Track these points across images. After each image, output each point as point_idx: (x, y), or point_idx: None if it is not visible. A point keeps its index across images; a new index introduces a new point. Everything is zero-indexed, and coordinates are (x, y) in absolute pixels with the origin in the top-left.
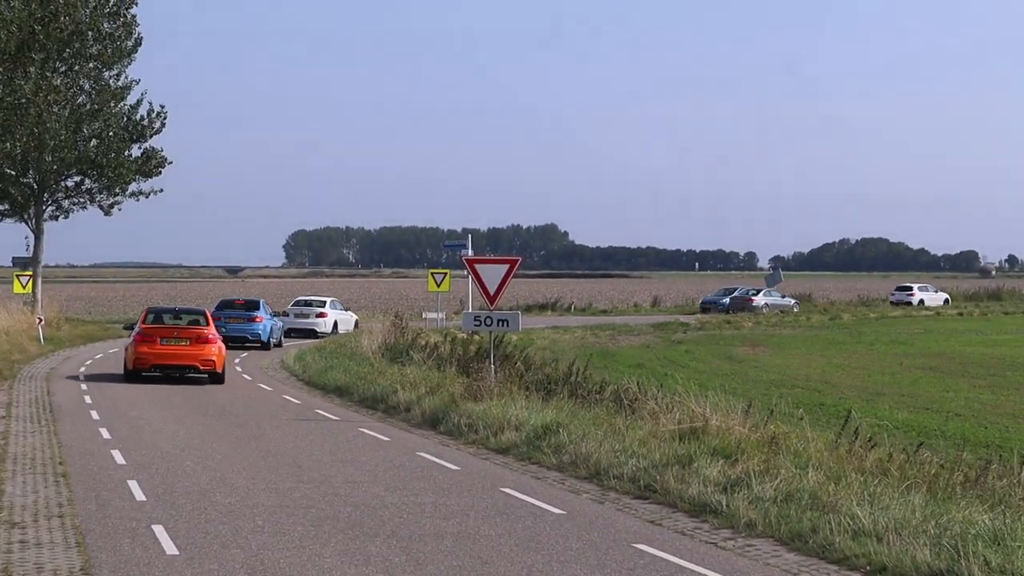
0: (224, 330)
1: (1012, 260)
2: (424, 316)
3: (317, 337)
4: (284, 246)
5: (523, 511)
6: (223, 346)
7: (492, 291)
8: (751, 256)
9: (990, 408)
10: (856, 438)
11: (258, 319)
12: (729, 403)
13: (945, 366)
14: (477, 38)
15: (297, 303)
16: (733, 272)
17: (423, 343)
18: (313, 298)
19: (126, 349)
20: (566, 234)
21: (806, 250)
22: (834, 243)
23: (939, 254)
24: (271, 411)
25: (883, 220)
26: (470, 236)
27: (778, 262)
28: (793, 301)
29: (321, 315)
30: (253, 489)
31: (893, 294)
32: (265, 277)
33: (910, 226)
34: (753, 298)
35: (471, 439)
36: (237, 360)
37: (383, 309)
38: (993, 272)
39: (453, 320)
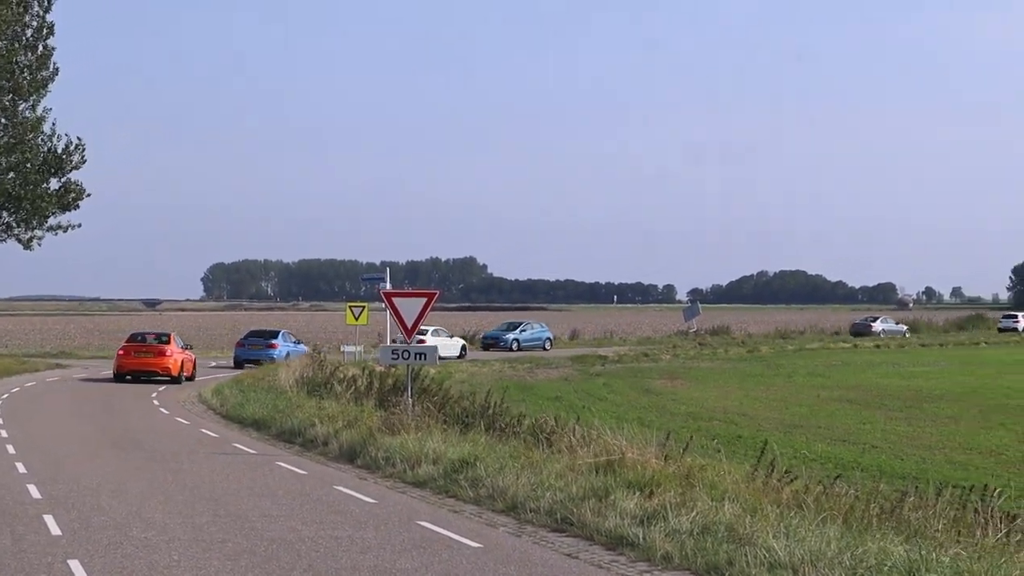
0: (247, 352)
1: (929, 292)
2: (342, 349)
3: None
4: (202, 279)
5: (440, 544)
6: (184, 359)
7: (410, 324)
8: (669, 289)
9: (906, 440)
10: (773, 470)
11: (275, 345)
12: (646, 436)
13: (862, 398)
14: (391, 65)
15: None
16: (651, 305)
17: (341, 376)
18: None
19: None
20: (485, 267)
21: (724, 282)
22: (752, 275)
23: (857, 286)
24: (188, 445)
25: (801, 253)
26: (388, 269)
27: (696, 295)
28: (905, 328)
29: (421, 341)
30: (169, 524)
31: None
32: (183, 310)
33: (828, 259)
34: (872, 324)
35: (388, 472)
36: (154, 394)
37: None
38: (911, 304)
39: (371, 353)
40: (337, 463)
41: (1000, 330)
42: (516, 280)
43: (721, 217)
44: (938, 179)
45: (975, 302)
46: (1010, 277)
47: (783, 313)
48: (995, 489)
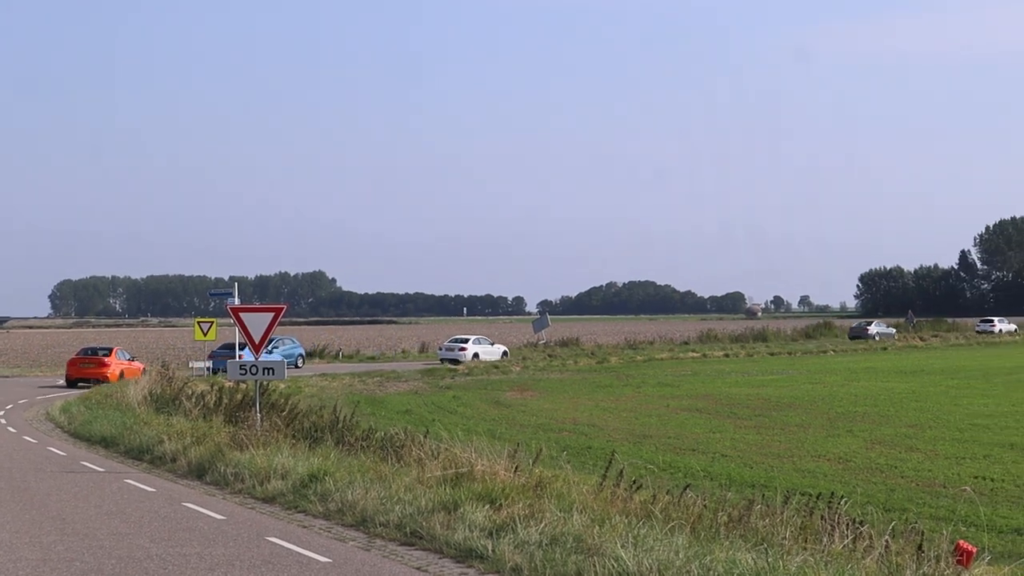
0: (218, 362)
1: (778, 301)
2: (191, 365)
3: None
4: (50, 296)
5: (289, 560)
6: (123, 368)
7: (257, 339)
8: (519, 301)
9: (755, 448)
10: (621, 480)
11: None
12: (495, 448)
13: (712, 407)
14: (233, 79)
15: (450, 340)
16: (502, 317)
17: (190, 392)
18: (459, 336)
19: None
20: (334, 281)
21: (574, 294)
22: (601, 286)
23: (706, 296)
24: (35, 464)
25: (650, 263)
26: (236, 284)
27: (546, 306)
28: (894, 331)
29: (462, 349)
30: (16, 544)
31: None
32: (31, 328)
33: (677, 269)
34: (868, 328)
35: (237, 488)
36: (2, 412)
37: (150, 358)
38: (759, 313)
39: None
40: (186, 480)
41: (977, 332)
42: (365, 294)
43: (569, 229)
44: (785, 189)
45: (823, 311)
46: (857, 285)
47: (633, 324)
48: (842, 496)
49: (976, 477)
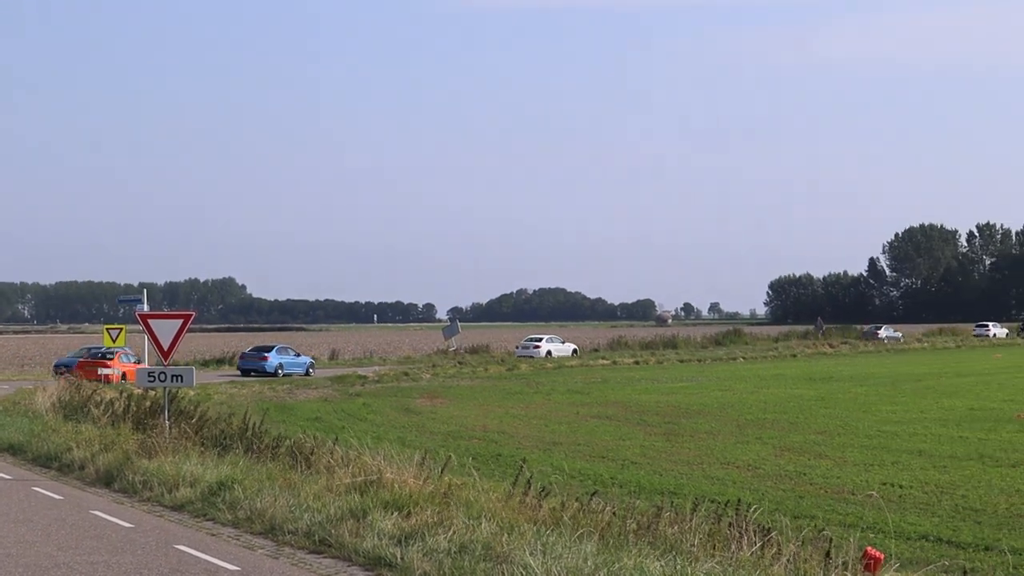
0: (244, 363)
1: (688, 308)
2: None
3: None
4: None
5: (197, 568)
6: (126, 369)
7: (166, 346)
8: (430, 308)
9: (665, 455)
10: (530, 488)
11: (265, 358)
12: (404, 455)
13: (621, 415)
14: (146, 81)
15: (526, 339)
16: (412, 324)
17: (99, 399)
18: (534, 336)
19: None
20: (244, 287)
21: (484, 301)
22: (512, 294)
23: (616, 303)
24: None
25: (561, 270)
26: (146, 291)
27: (456, 313)
28: (900, 335)
29: (537, 347)
30: None
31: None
32: None
33: (587, 276)
34: (878, 332)
35: (146, 496)
36: None
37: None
38: (669, 320)
39: None
40: (94, 487)
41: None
42: (276, 300)
43: (479, 236)
44: (693, 198)
45: (733, 318)
46: (767, 292)
47: (543, 330)
48: (751, 503)
49: (884, 484)
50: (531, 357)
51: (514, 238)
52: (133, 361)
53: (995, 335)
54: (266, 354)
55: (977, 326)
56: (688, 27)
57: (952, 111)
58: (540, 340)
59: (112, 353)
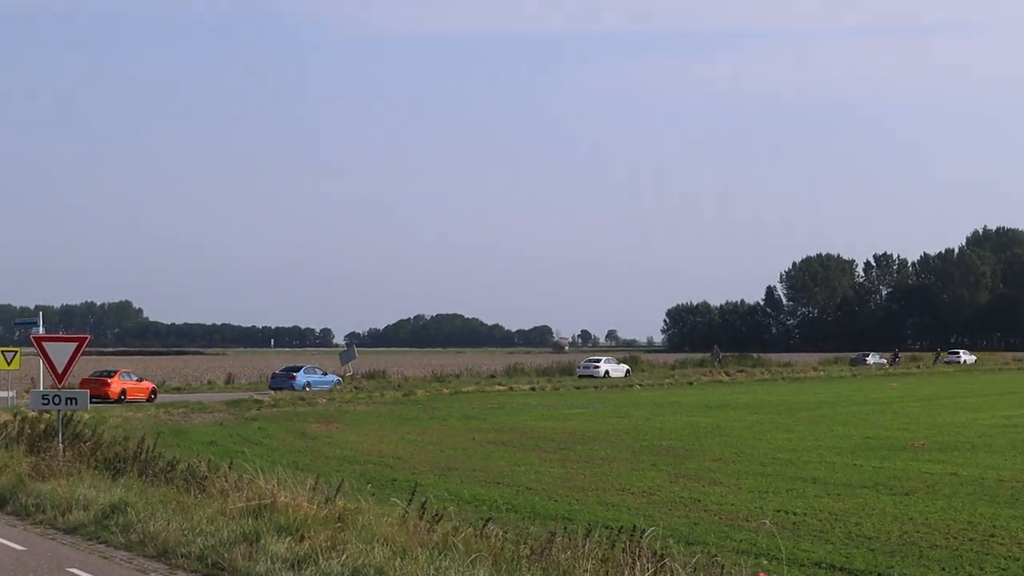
0: (274, 382)
1: (585, 335)
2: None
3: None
4: None
5: None
6: (126, 387)
7: (60, 369)
8: (327, 332)
9: (560, 481)
10: (424, 513)
11: (294, 376)
12: (298, 479)
13: (517, 440)
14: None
15: (586, 360)
16: (309, 349)
17: None
18: (594, 357)
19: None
20: (141, 311)
21: (382, 326)
22: (409, 319)
23: (514, 329)
24: None
25: (458, 296)
26: (41, 313)
27: (353, 338)
28: (885, 361)
29: (596, 366)
30: None
31: None
32: None
33: (485, 302)
34: (866, 358)
35: (39, 519)
36: None
37: None
38: (566, 347)
39: (24, 399)
40: None
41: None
42: (172, 324)
43: (378, 261)
44: (590, 227)
45: (630, 344)
46: (664, 320)
47: (440, 356)
48: (644, 529)
49: (779, 511)
50: (591, 376)
51: (412, 264)
52: (135, 380)
53: (874, 364)
54: (294, 373)
55: (857, 355)
56: (583, 57)
57: (848, 143)
58: (599, 360)
59: (112, 373)
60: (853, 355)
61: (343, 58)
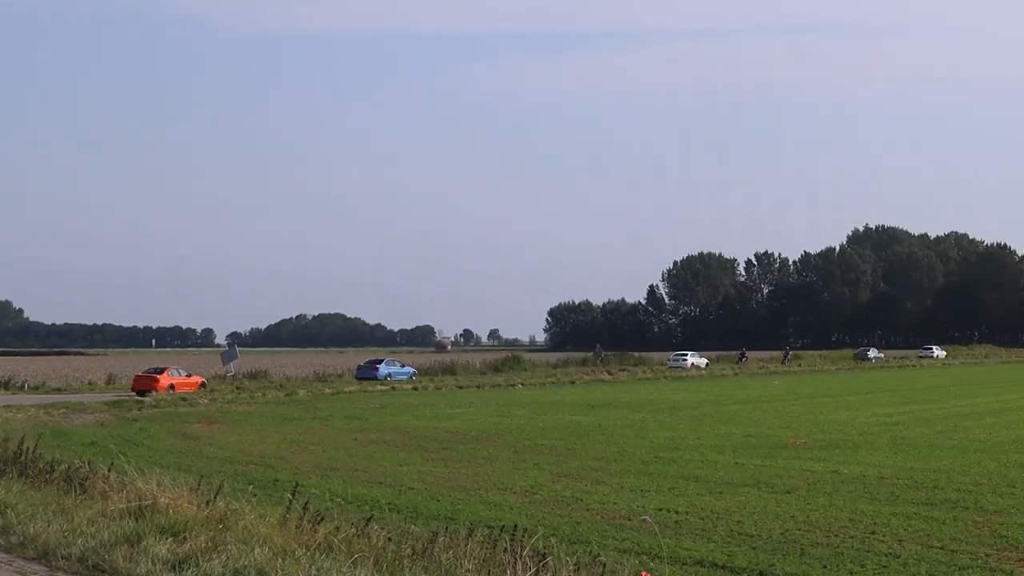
0: (360, 373)
1: (468, 334)
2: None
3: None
4: None
5: None
6: (174, 382)
7: None
8: (208, 333)
9: (442, 481)
10: (306, 513)
11: (377, 368)
12: (180, 480)
13: (400, 440)
14: None
15: (675, 354)
16: (191, 349)
17: None
18: (681, 351)
19: None
20: (21, 311)
21: (263, 326)
22: (291, 319)
23: (396, 329)
24: None
25: (340, 296)
26: None
27: (235, 338)
28: (882, 355)
29: (684, 359)
30: None
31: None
32: None
33: (367, 302)
34: (868, 352)
35: None
36: None
37: None
38: (449, 346)
39: None
40: None
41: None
42: (53, 324)
43: (260, 261)
44: (473, 225)
45: (512, 344)
46: (547, 319)
47: (322, 356)
48: (526, 528)
49: (661, 509)
50: (680, 368)
51: (294, 263)
52: (184, 375)
53: (692, 364)
54: (377, 365)
55: (675, 355)
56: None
57: (731, 142)
58: (686, 355)
59: (161, 370)
60: (855, 350)
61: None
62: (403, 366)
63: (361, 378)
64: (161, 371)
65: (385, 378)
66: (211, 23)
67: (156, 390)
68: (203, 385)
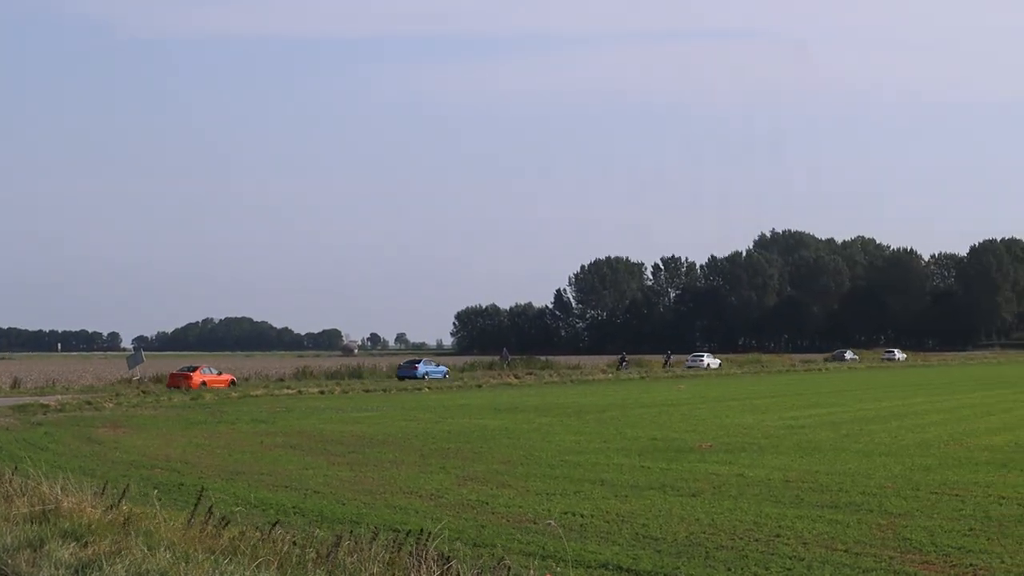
0: (401, 372)
1: (375, 338)
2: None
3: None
4: None
5: None
6: (206, 379)
7: None
8: (115, 336)
9: (348, 485)
10: (210, 517)
11: (415, 367)
12: (84, 485)
13: (306, 444)
14: None
15: (692, 355)
16: (96, 352)
17: None
18: (698, 353)
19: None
20: None
21: (170, 330)
22: (198, 322)
23: (303, 333)
24: None
25: (247, 299)
26: None
27: (141, 342)
28: (857, 357)
29: (701, 359)
30: None
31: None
32: None
33: (274, 305)
34: (844, 354)
35: None
36: None
37: None
38: (356, 350)
39: None
40: None
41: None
42: None
43: (166, 264)
44: (376, 231)
45: (419, 348)
46: (454, 323)
47: (229, 360)
48: (431, 532)
49: (566, 513)
50: (697, 367)
51: (201, 267)
52: (215, 373)
53: (426, 375)
54: (416, 365)
55: (692, 356)
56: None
57: (636, 146)
58: (703, 356)
59: (193, 368)
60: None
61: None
62: (437, 366)
63: (402, 377)
64: (194, 369)
65: (423, 376)
66: (112, 22)
67: (190, 387)
68: (233, 382)
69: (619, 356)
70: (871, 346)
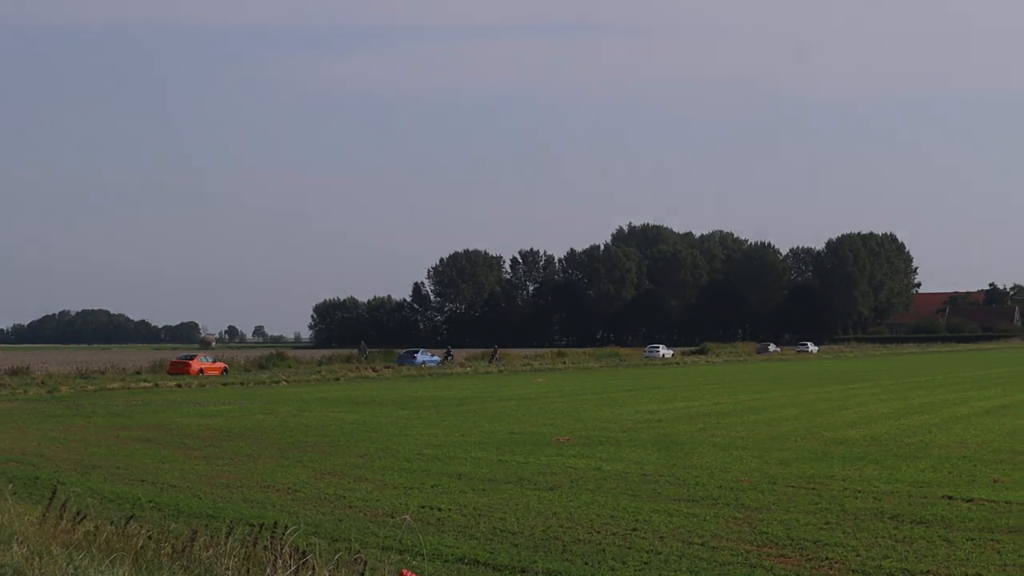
0: (401, 360)
1: (233, 331)
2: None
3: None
4: None
5: None
6: (203, 367)
7: None
8: None
9: (205, 479)
10: (65, 511)
11: (415, 356)
12: None
13: (162, 438)
14: None
15: (650, 346)
16: None
17: None
18: (655, 344)
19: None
20: None
21: (26, 322)
22: (55, 315)
23: (160, 326)
24: None
25: (103, 292)
26: None
27: None
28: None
29: (656, 350)
30: None
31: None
32: None
33: (131, 298)
34: (768, 347)
35: None
36: None
37: None
38: (213, 343)
39: None
40: None
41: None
42: None
43: (21, 255)
44: (238, 224)
45: (277, 341)
46: (312, 316)
47: (86, 353)
48: (287, 526)
49: (423, 507)
50: (654, 357)
51: (57, 258)
52: (211, 360)
53: (424, 363)
54: (415, 354)
55: (649, 347)
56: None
57: (495, 143)
58: (659, 346)
59: (192, 357)
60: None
61: None
62: (433, 355)
63: (402, 363)
64: (192, 357)
65: (422, 364)
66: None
67: (189, 373)
68: (225, 370)
69: (492, 349)
70: (729, 339)
